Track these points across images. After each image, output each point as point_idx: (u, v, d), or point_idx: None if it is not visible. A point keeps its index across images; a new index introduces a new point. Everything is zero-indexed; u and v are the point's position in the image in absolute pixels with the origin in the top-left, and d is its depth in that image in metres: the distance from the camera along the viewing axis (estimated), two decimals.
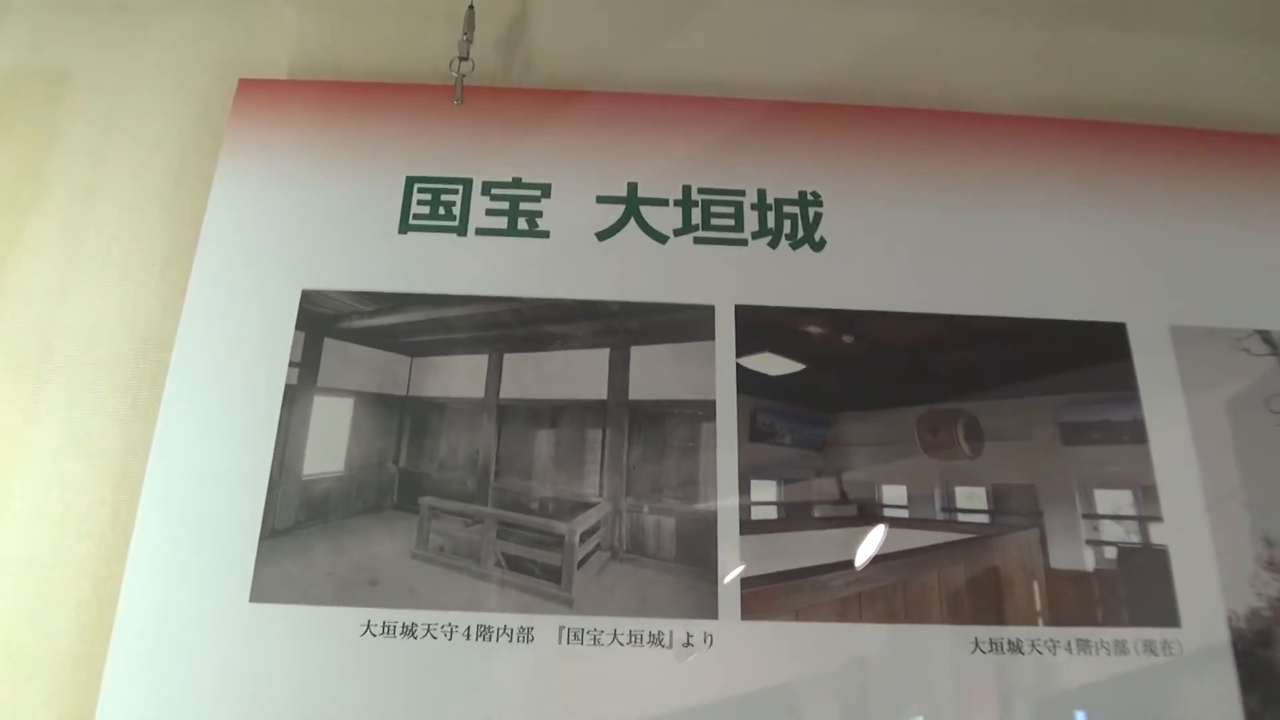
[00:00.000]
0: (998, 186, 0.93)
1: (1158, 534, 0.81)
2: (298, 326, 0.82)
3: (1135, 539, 0.81)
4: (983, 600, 0.78)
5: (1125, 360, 0.86)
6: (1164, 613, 0.78)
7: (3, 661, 0.74)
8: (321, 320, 0.82)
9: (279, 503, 0.76)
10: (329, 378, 0.81)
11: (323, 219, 0.86)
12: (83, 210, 0.90)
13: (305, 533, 0.76)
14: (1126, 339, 0.87)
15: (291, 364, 0.81)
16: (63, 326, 0.86)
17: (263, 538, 0.75)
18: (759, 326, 0.84)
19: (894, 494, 0.81)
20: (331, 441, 0.79)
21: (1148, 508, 0.82)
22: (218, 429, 0.79)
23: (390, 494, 0.78)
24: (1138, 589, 0.79)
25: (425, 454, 0.79)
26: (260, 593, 0.74)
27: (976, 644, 0.76)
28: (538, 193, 0.88)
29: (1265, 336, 0.89)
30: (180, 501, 0.77)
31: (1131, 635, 0.77)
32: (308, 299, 0.83)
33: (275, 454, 0.78)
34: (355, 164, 0.89)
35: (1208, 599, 0.79)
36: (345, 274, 0.84)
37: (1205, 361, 0.87)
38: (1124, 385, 0.85)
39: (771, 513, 0.79)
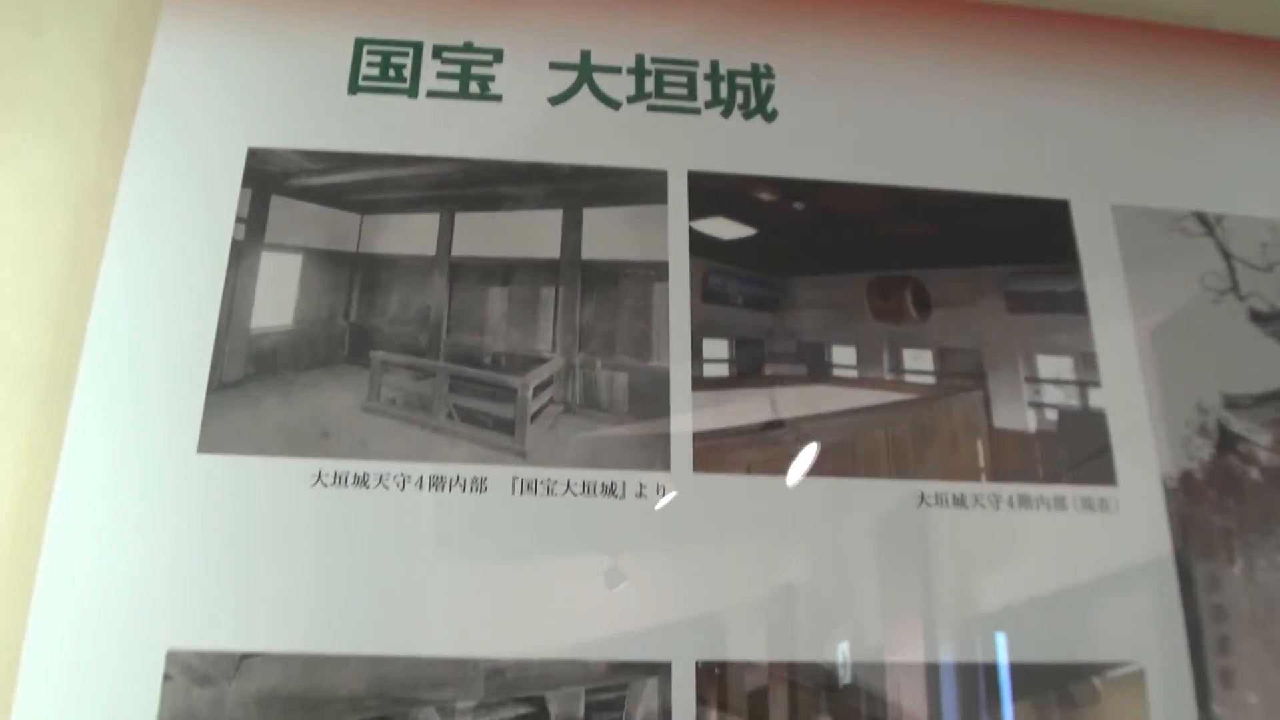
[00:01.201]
0: (947, 66, 0.93)
1: (1096, 398, 0.82)
2: (244, 184, 0.79)
3: (1075, 403, 0.82)
4: (929, 457, 0.78)
5: (1068, 236, 0.86)
6: (1101, 472, 0.79)
7: None
8: (269, 178, 0.79)
9: (226, 356, 0.74)
10: (277, 234, 0.78)
11: (270, 79, 0.83)
12: (16, 78, 0.85)
13: (254, 385, 0.74)
14: (1069, 216, 0.87)
15: (238, 220, 0.78)
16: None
17: (210, 390, 0.73)
18: (711, 192, 0.83)
19: (844, 355, 0.80)
20: (280, 296, 0.77)
21: (1087, 374, 0.82)
22: (161, 284, 0.76)
23: (341, 348, 0.76)
24: (1077, 449, 0.80)
25: (376, 309, 0.77)
26: (208, 444, 0.72)
27: (923, 498, 0.76)
28: (490, 57, 0.86)
29: (1201, 218, 0.90)
30: (123, 356, 0.74)
31: (1070, 492, 0.78)
32: (254, 156, 0.80)
33: (222, 308, 0.76)
34: (303, 24, 0.86)
35: (1143, 460, 0.80)
36: (293, 133, 0.81)
37: (1144, 239, 0.88)
38: (1066, 259, 0.86)
39: (723, 370, 0.78)
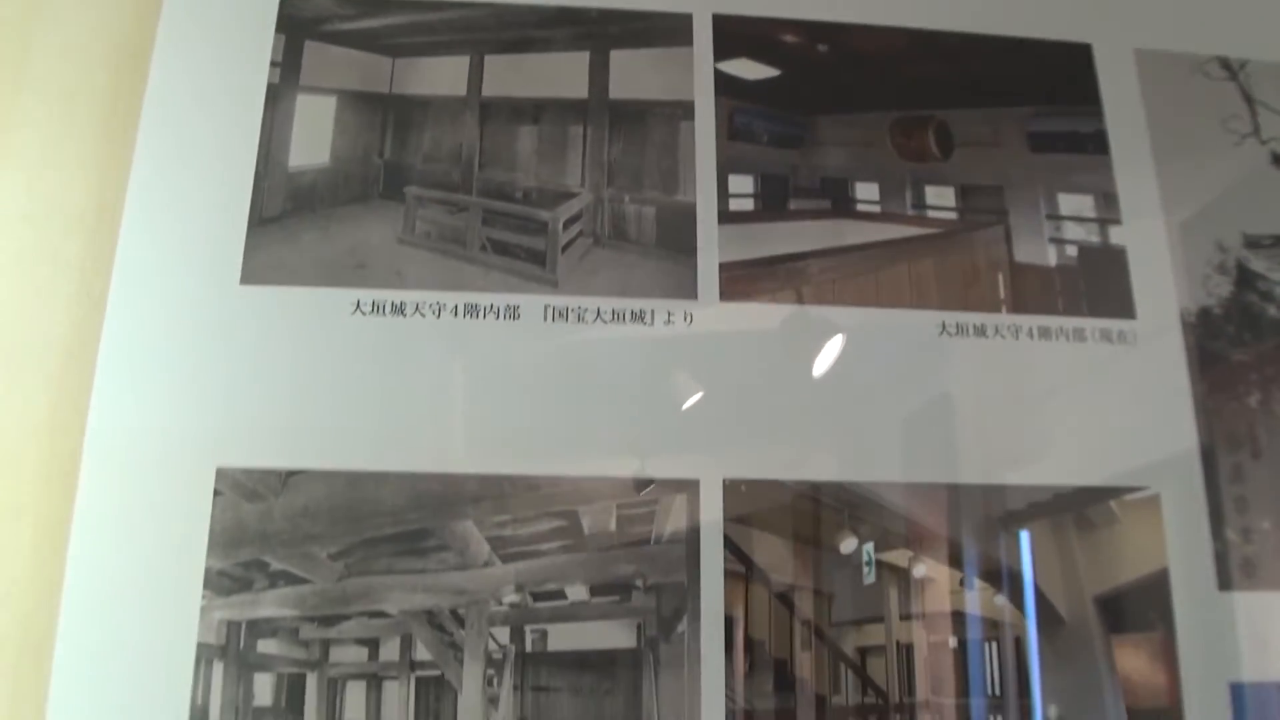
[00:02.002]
0: None
1: (1117, 236, 0.82)
2: (278, 29, 0.79)
3: (1095, 239, 0.82)
4: (950, 289, 0.78)
5: (1090, 79, 0.85)
6: (1121, 305, 0.78)
7: None
8: (302, 24, 0.80)
9: (265, 193, 0.75)
10: (311, 77, 0.79)
11: None
12: None
13: (293, 220, 0.74)
14: (1092, 59, 0.86)
15: (273, 64, 0.78)
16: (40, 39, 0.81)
17: (251, 225, 0.74)
18: (736, 34, 0.82)
19: (867, 191, 0.80)
20: (316, 136, 0.77)
21: (1108, 212, 0.81)
22: (200, 127, 0.77)
23: (376, 185, 0.77)
24: (1096, 284, 0.80)
25: (409, 148, 0.78)
26: (251, 276, 0.73)
27: (944, 327, 0.76)
28: None
29: (1224, 63, 0.88)
30: (166, 197, 0.75)
31: (1090, 324, 0.78)
32: (287, 3, 0.80)
33: (260, 148, 0.77)
34: None
35: (1162, 296, 0.80)
36: None
37: (1166, 83, 0.87)
38: (1088, 101, 0.85)
39: (748, 205, 0.78)
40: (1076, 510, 0.75)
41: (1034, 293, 0.79)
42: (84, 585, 0.68)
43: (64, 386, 0.72)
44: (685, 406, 0.73)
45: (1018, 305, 0.78)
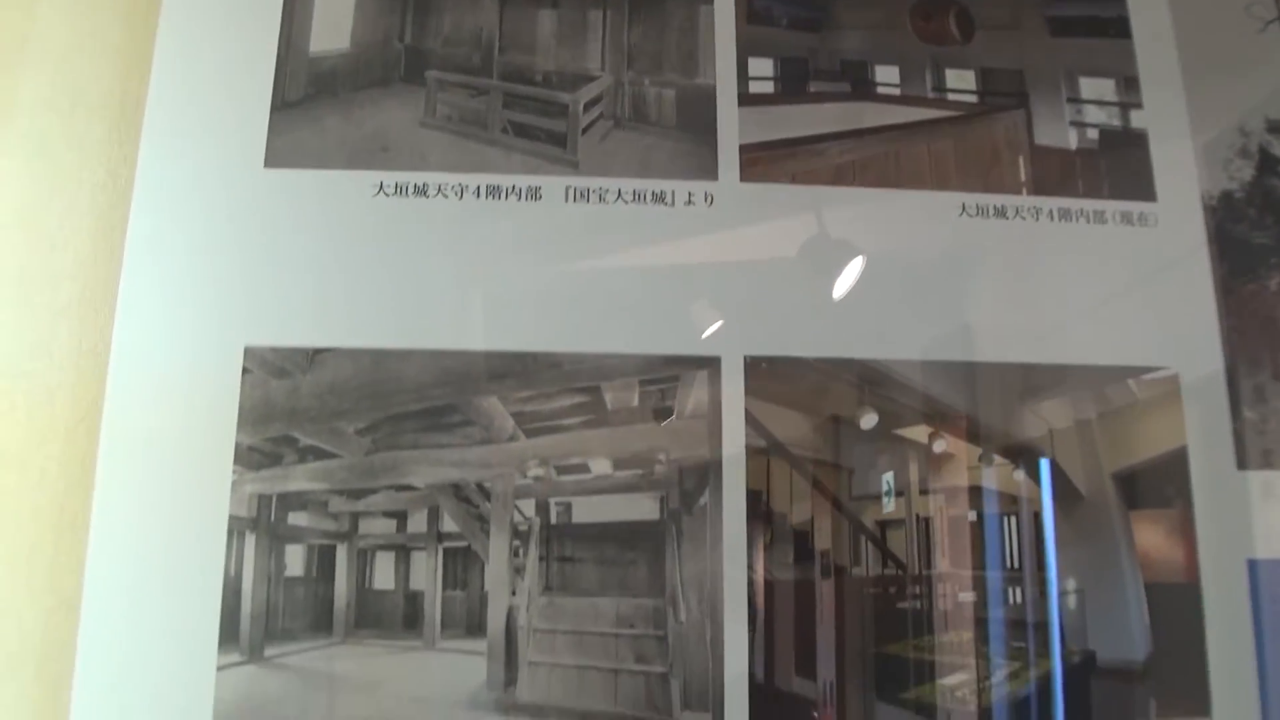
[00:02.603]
0: None
1: (1138, 119, 0.80)
2: None
3: (1116, 123, 0.80)
4: (970, 171, 0.76)
5: None
6: (1141, 188, 0.77)
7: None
8: None
9: (288, 78, 0.74)
10: None
11: None
12: None
13: (315, 105, 0.74)
14: None
15: None
16: None
17: (274, 109, 0.73)
18: None
19: (886, 73, 0.79)
20: (336, 21, 0.77)
21: (1129, 96, 0.80)
22: (222, 13, 0.77)
23: (397, 69, 0.76)
24: (1117, 167, 0.78)
25: (430, 32, 0.77)
26: (274, 159, 0.72)
27: (964, 209, 0.75)
28: None
29: None
30: (189, 84, 0.75)
31: (1110, 207, 0.77)
32: None
33: (281, 33, 0.75)
34: None
35: (1183, 179, 0.79)
36: None
37: None
38: None
39: (768, 87, 0.77)
40: (1095, 389, 0.74)
41: (1054, 175, 0.78)
42: (117, 462, 0.69)
43: (93, 271, 0.72)
44: (706, 285, 0.72)
45: (1038, 188, 0.77)
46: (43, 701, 0.66)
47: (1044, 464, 0.73)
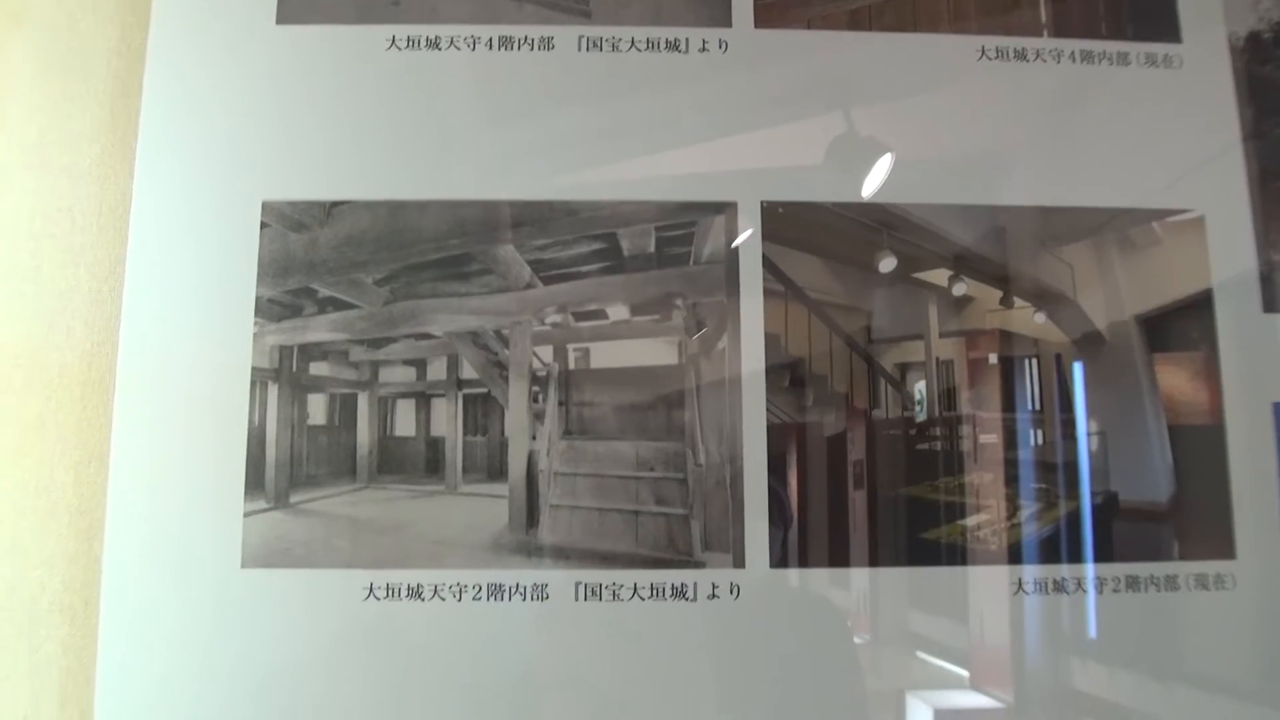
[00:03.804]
0: None
1: None
2: None
3: None
4: (989, 14, 0.72)
5: None
6: (1166, 29, 0.74)
7: None
8: None
9: None
10: None
11: None
12: None
13: None
14: None
15: None
16: None
17: None
18: None
19: None
20: None
21: None
22: None
23: None
24: (1141, 7, 0.74)
25: None
26: (286, 15, 0.72)
27: (983, 51, 0.70)
28: None
29: None
30: None
31: (1134, 48, 0.73)
32: None
33: None
34: None
35: (1209, 19, 0.76)
36: None
37: None
38: None
39: None
40: (1118, 231, 0.70)
41: (1076, 17, 0.73)
42: (140, 319, 0.68)
43: (110, 134, 0.71)
44: (721, 132, 0.68)
45: (1059, 30, 0.72)
46: (76, 551, 0.66)
47: (1066, 306, 0.68)
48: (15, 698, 0.64)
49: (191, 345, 0.65)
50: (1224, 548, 0.67)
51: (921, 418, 0.66)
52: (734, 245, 0.66)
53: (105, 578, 0.62)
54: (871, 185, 0.69)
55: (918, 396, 0.67)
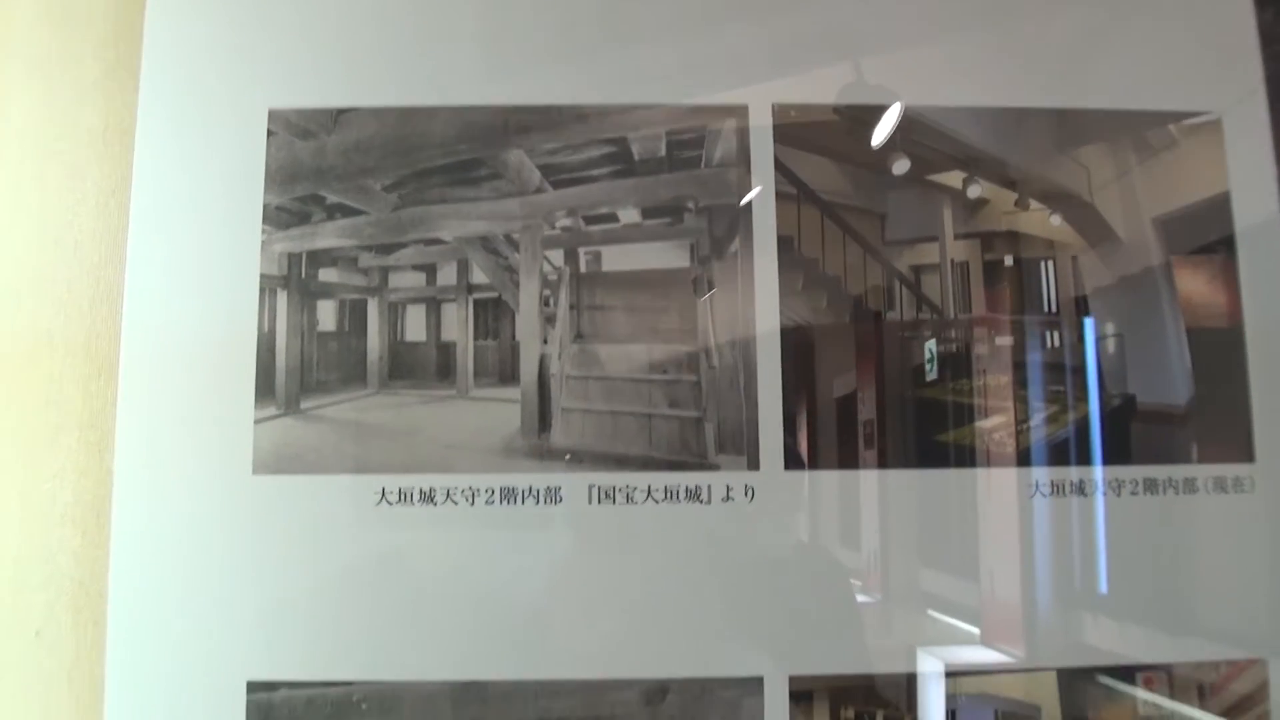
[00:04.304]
0: None
1: None
2: None
3: None
4: None
5: None
6: None
7: None
8: None
9: None
10: None
11: None
12: None
13: None
14: None
15: None
16: None
17: None
18: None
19: None
20: None
21: None
22: None
23: None
24: None
25: None
26: None
27: None
28: None
29: None
30: None
31: None
32: None
33: None
34: None
35: None
36: None
37: None
38: None
39: None
40: (1134, 133, 0.67)
41: None
42: (148, 227, 0.67)
43: (114, 50, 0.70)
44: (731, 34, 0.66)
45: None
46: (87, 464, 0.66)
47: (1082, 209, 0.66)
48: (29, 610, 0.62)
49: (200, 254, 0.63)
50: (1243, 451, 0.65)
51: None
52: (745, 148, 0.64)
53: (116, 489, 0.61)
54: (884, 86, 0.66)
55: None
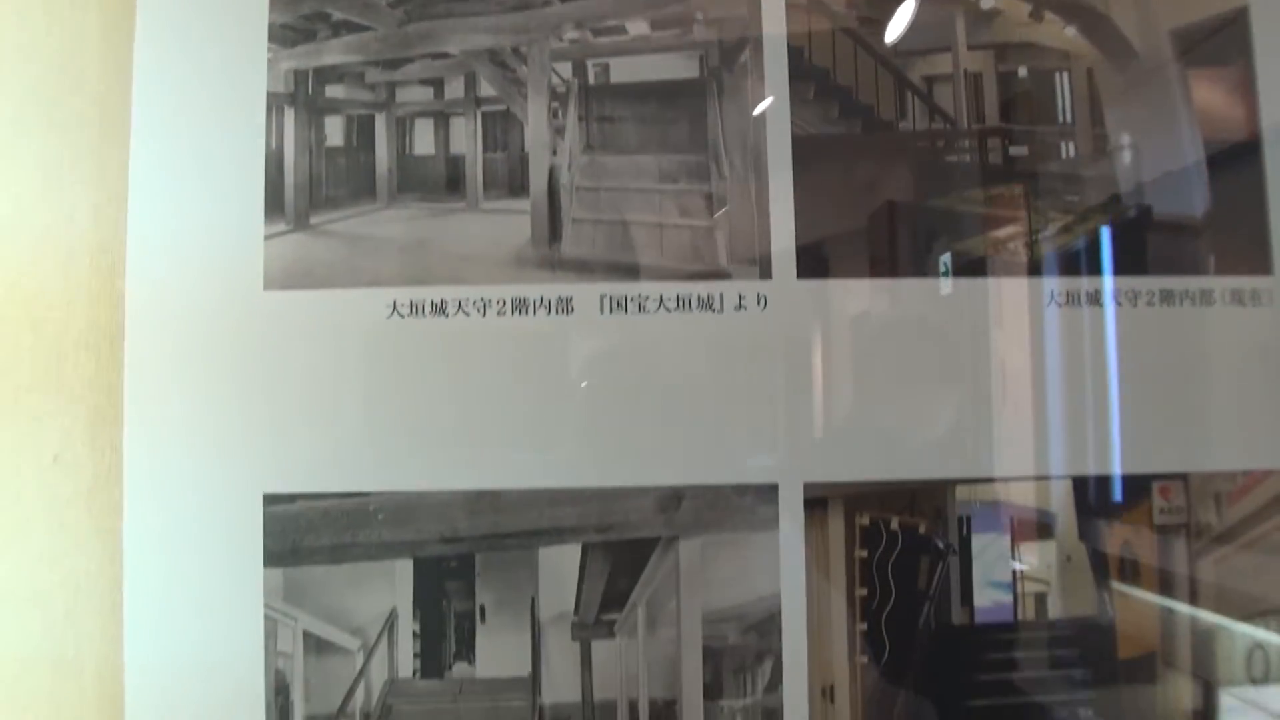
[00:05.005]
0: None
1: None
2: None
3: None
4: None
5: None
6: None
7: None
8: None
9: None
10: None
11: None
12: None
13: None
14: None
15: None
16: None
17: None
18: None
19: None
20: None
21: None
22: None
23: None
24: None
25: None
26: None
27: None
28: None
29: None
30: None
31: None
32: None
33: None
34: None
35: None
36: None
37: None
38: None
39: None
40: None
41: None
42: (154, 47, 0.66)
43: None
44: None
45: None
46: (99, 290, 0.65)
47: (1098, 19, 0.64)
48: (46, 435, 0.61)
49: (205, 71, 0.61)
50: (1260, 263, 0.62)
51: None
52: None
53: (128, 309, 0.60)
54: None
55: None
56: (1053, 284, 0.62)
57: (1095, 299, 0.62)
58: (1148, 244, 0.63)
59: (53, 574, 0.61)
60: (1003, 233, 0.62)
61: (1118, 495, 0.62)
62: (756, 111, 0.62)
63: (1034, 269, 0.63)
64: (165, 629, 0.59)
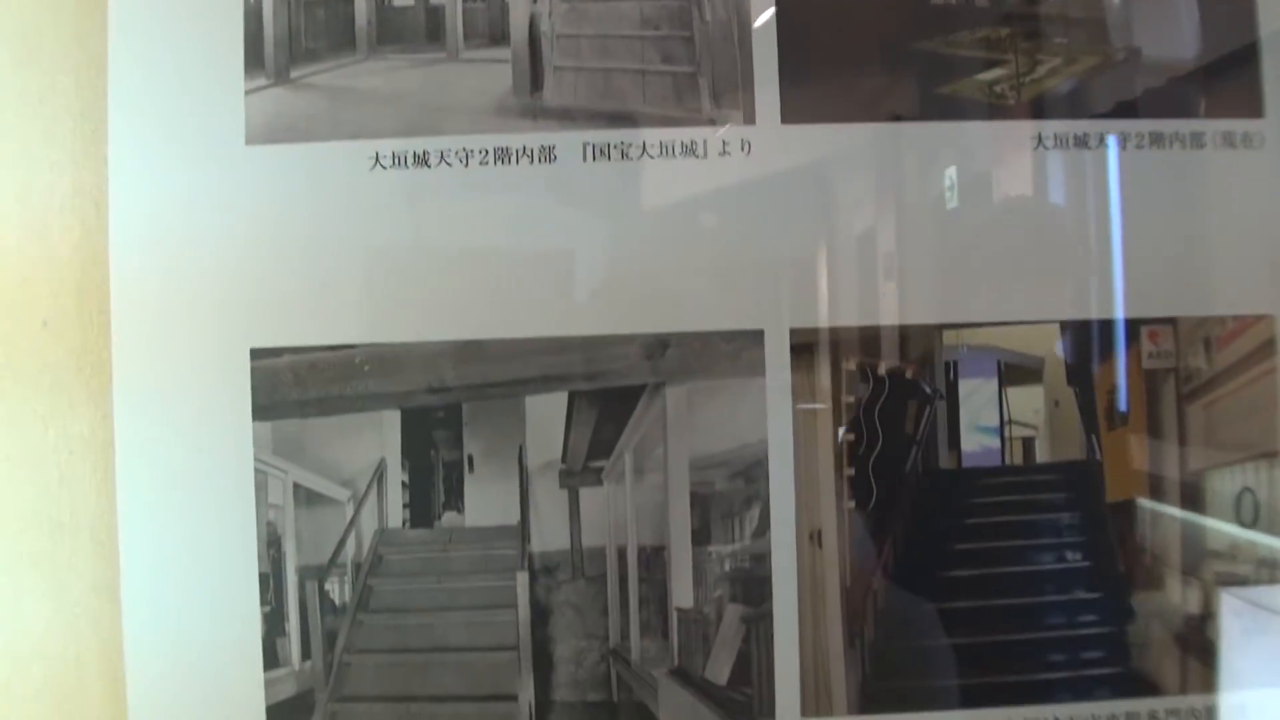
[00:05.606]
0: None
1: None
2: None
3: None
4: None
5: None
6: None
7: None
8: None
9: None
10: None
11: None
12: None
13: None
14: None
15: None
16: None
17: None
18: None
19: None
20: None
21: None
22: None
23: None
24: None
25: None
26: None
27: None
28: None
29: None
30: None
31: None
32: None
33: None
34: None
35: None
36: None
37: None
38: None
39: None
40: None
41: None
42: None
43: None
44: None
45: None
46: (84, 154, 0.64)
47: None
48: (34, 302, 0.60)
49: None
50: (1252, 106, 0.60)
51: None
52: None
53: (111, 171, 0.58)
54: None
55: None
56: (1041, 127, 0.60)
57: (1084, 142, 0.60)
58: (1137, 86, 0.61)
59: (46, 437, 0.60)
60: (990, 75, 0.60)
61: (1106, 340, 0.61)
62: None
63: (1022, 112, 0.60)
64: (157, 484, 0.58)
